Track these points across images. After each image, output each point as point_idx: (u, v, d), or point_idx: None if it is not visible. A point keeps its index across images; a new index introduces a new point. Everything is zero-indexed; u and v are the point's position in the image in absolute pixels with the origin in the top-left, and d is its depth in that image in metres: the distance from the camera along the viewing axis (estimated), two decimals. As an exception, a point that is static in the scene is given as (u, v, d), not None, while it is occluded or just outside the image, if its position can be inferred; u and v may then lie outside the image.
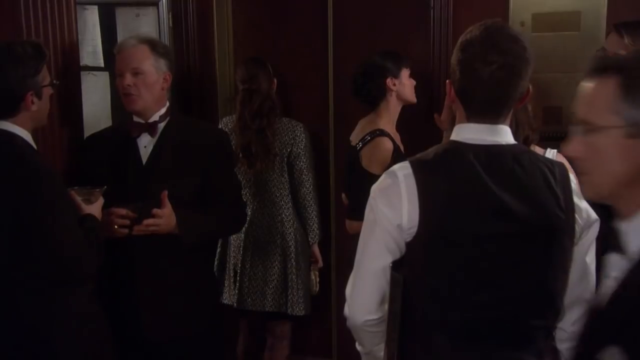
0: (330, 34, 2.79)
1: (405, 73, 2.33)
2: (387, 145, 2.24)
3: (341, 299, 1.29)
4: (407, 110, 2.40)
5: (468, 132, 1.24)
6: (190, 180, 1.92)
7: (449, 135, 1.29)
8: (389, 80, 2.30)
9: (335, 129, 2.85)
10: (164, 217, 1.83)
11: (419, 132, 2.59)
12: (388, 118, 2.33)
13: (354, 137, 2.37)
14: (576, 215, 1.22)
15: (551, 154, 1.85)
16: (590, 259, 1.25)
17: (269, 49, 2.87)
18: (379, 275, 1.22)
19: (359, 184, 2.22)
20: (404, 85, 2.33)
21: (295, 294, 2.55)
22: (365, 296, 1.24)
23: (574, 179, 1.25)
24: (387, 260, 1.22)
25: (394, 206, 1.21)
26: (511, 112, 1.27)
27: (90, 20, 2.80)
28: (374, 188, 1.25)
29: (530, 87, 1.28)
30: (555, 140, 2.41)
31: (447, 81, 1.28)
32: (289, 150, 2.51)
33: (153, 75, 1.93)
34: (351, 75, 2.38)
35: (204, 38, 2.85)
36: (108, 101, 2.80)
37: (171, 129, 1.98)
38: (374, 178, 2.19)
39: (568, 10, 2.47)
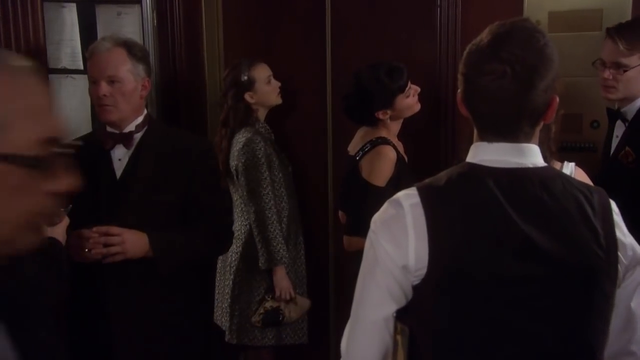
0: (328, 35, 2.63)
1: (401, 99, 2.13)
2: (389, 154, 2.07)
3: (341, 327, 1.12)
4: (410, 117, 2.22)
5: (486, 153, 1.06)
6: (170, 196, 1.75)
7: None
8: (379, 114, 2.12)
9: (334, 138, 2.68)
10: (127, 241, 1.65)
11: (424, 140, 2.42)
12: (387, 131, 2.16)
13: (353, 147, 2.20)
14: (619, 253, 1.03)
15: (569, 167, 1.65)
16: (636, 304, 1.06)
17: (261, 51, 2.71)
18: (380, 327, 1.03)
19: (358, 197, 2.06)
20: (400, 111, 2.15)
21: (230, 320, 2.43)
22: (364, 352, 1.04)
23: (615, 209, 1.04)
24: (390, 309, 1.03)
25: (398, 243, 1.02)
26: (538, 128, 1.08)
27: (69, 19, 2.64)
28: (375, 219, 1.06)
29: (557, 97, 1.09)
30: (574, 151, 2.25)
31: (458, 94, 1.11)
32: (233, 165, 2.41)
33: (131, 83, 1.76)
34: (345, 92, 2.21)
35: (192, 39, 2.70)
36: (88, 106, 2.62)
37: (149, 140, 1.81)
38: (375, 190, 2.06)
39: (588, 7, 2.28)
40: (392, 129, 2.16)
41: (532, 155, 1.06)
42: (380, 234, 1.04)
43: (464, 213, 1.01)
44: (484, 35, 1.05)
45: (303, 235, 2.53)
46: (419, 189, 1.05)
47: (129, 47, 1.78)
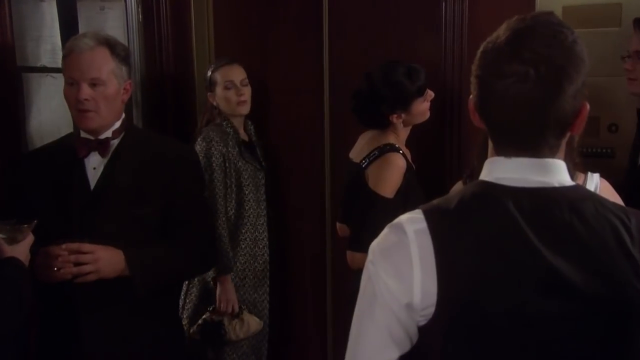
0: (326, 33, 2.48)
1: (418, 104, 1.99)
2: (399, 162, 1.92)
3: (340, 353, 0.97)
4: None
5: (504, 170, 0.92)
6: (149, 209, 1.62)
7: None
8: (394, 117, 1.98)
9: (331, 143, 2.53)
10: (101, 260, 1.51)
11: (428, 147, 2.28)
12: (396, 137, 2.02)
13: (357, 154, 2.05)
14: None
15: (594, 179, 1.51)
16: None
17: (254, 48, 2.58)
18: None
19: (364, 208, 1.92)
20: (414, 116, 2.00)
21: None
22: None
23: None
24: (391, 355, 0.89)
25: (401, 276, 0.88)
26: (564, 140, 0.94)
27: (48, 15, 2.53)
28: (373, 247, 0.92)
29: (587, 104, 0.95)
30: (590, 157, 2.10)
31: (469, 102, 0.97)
32: None
33: (114, 86, 1.62)
34: (352, 89, 2.06)
35: (180, 35, 2.57)
36: (70, 108, 2.48)
37: (127, 147, 1.67)
38: (383, 201, 1.89)
39: (606, 2, 2.13)
40: (401, 135, 2.02)
41: (558, 173, 0.92)
42: (380, 265, 0.90)
43: (479, 241, 0.87)
44: (502, 32, 0.91)
45: (292, 248, 2.38)
46: (425, 212, 0.90)
47: (112, 47, 1.64)
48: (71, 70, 1.61)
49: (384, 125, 1.98)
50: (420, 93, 1.97)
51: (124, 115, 1.71)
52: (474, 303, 0.86)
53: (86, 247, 1.51)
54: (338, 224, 2.17)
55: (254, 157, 2.40)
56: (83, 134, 1.66)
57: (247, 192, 2.33)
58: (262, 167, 2.41)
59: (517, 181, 0.90)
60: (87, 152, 1.64)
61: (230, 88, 2.32)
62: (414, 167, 2.03)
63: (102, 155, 1.64)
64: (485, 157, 1.35)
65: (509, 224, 0.87)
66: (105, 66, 1.61)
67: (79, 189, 1.62)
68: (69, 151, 1.65)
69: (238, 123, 2.38)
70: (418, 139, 2.11)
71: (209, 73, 2.36)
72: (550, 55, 0.87)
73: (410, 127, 2.03)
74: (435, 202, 0.93)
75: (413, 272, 0.87)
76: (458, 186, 1.57)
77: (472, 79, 0.93)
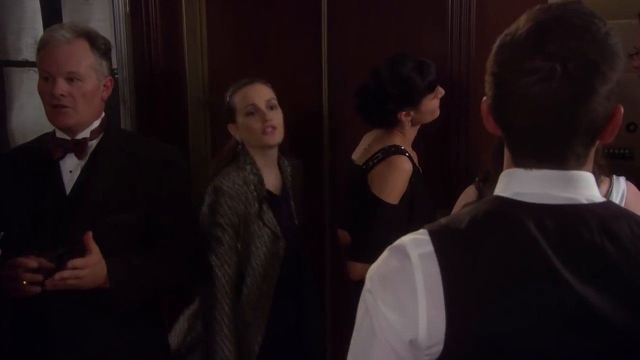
0: (325, 26, 2.35)
1: (428, 100, 1.87)
2: (405, 166, 1.80)
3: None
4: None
5: (524, 184, 0.81)
6: (130, 216, 1.52)
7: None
8: (402, 115, 1.86)
9: (330, 144, 2.40)
10: (88, 268, 1.40)
11: (433, 148, 2.18)
12: (403, 137, 1.90)
13: (359, 155, 1.93)
14: None
15: (620, 184, 1.39)
16: None
17: (249, 40, 2.46)
18: None
19: (367, 215, 1.80)
20: (423, 113, 1.88)
21: None
22: None
23: None
24: None
25: (404, 309, 0.76)
26: (593, 149, 0.82)
27: (30, 6, 2.44)
28: (371, 274, 0.81)
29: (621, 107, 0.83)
30: (607, 158, 1.97)
31: (482, 104, 0.85)
32: None
33: (93, 82, 1.53)
34: (355, 87, 1.94)
35: (170, 28, 2.45)
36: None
37: (106, 149, 1.57)
38: (387, 208, 1.75)
39: (625, -8, 1.99)
40: (408, 136, 1.90)
41: (587, 187, 0.80)
42: (379, 295, 0.78)
43: (495, 268, 0.75)
44: (522, 23, 0.79)
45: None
46: (431, 233, 0.79)
47: (92, 39, 1.54)
48: (46, 64, 1.51)
49: (391, 124, 1.87)
50: (430, 89, 1.86)
51: (103, 114, 1.61)
52: (489, 341, 0.74)
53: (78, 262, 1.40)
54: (339, 230, 2.05)
55: (278, 217, 1.81)
56: (59, 134, 1.57)
57: (255, 264, 1.78)
58: (286, 234, 1.81)
59: (538, 197, 0.79)
60: (62, 154, 1.54)
61: (253, 113, 1.80)
62: (420, 169, 1.92)
63: (79, 157, 1.54)
64: (501, 164, 1.23)
65: (530, 248, 0.75)
66: (84, 60, 1.51)
67: (53, 193, 1.52)
68: (43, 152, 1.55)
69: (268, 162, 1.84)
70: (423, 139, 2.00)
71: (227, 99, 1.87)
72: (581, 50, 0.75)
73: (418, 127, 1.92)
74: (443, 220, 0.81)
75: (418, 304, 0.75)
76: (468, 193, 1.45)
77: (487, 78, 0.82)
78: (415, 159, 1.91)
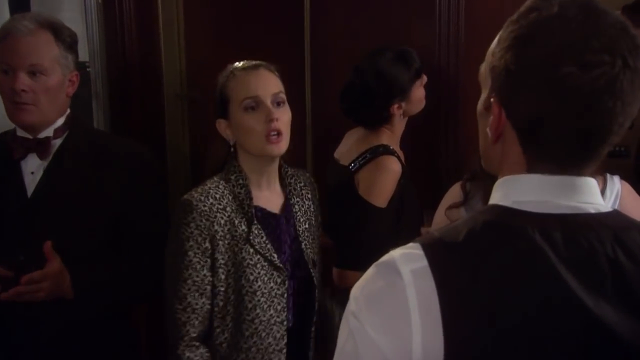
0: (307, 17, 2.27)
1: (417, 88, 1.81)
2: (394, 167, 1.73)
3: None
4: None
5: (524, 191, 0.73)
6: (98, 220, 1.45)
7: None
8: (394, 107, 1.79)
9: (314, 143, 2.32)
10: (47, 281, 1.34)
11: (420, 145, 2.11)
12: (390, 135, 1.82)
13: (344, 155, 1.84)
14: None
15: (615, 183, 1.33)
16: None
17: (229, 34, 2.37)
18: None
19: (354, 219, 1.73)
20: (413, 102, 1.81)
21: None
22: None
23: None
24: None
25: (395, 332, 0.68)
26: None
27: None
28: (356, 293, 0.73)
29: None
30: (610, 157, 1.90)
31: (493, 99, 0.75)
32: None
33: (57, 76, 1.45)
34: (341, 82, 1.85)
35: (145, 18, 2.36)
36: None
37: (71, 148, 1.48)
38: (375, 212, 1.65)
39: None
40: (397, 131, 1.82)
41: (592, 194, 0.73)
42: (366, 317, 0.70)
43: (499, 285, 0.68)
44: (550, 3, 0.70)
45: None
46: (425, 247, 0.70)
47: (57, 31, 1.46)
48: (7, 56, 1.42)
49: (383, 120, 1.79)
50: (418, 75, 1.80)
51: (69, 111, 1.52)
52: None
53: (37, 275, 1.33)
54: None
55: (276, 242, 1.39)
56: (20, 132, 1.48)
57: (251, 304, 1.34)
58: (290, 265, 1.40)
59: (542, 206, 0.71)
60: (24, 154, 1.46)
61: (254, 109, 1.35)
62: (407, 169, 1.84)
63: (42, 157, 1.46)
64: None
65: (537, 261, 0.68)
66: (48, 53, 1.43)
67: (13, 196, 1.44)
68: (3, 152, 1.47)
69: (266, 173, 1.41)
70: (410, 135, 1.93)
71: (219, 85, 1.41)
72: (635, 44, 0.69)
73: (406, 120, 1.84)
74: (436, 233, 0.73)
75: (411, 327, 0.67)
76: (453, 193, 1.37)
77: (507, 71, 0.71)
78: (402, 158, 1.83)
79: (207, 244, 1.32)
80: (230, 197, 1.36)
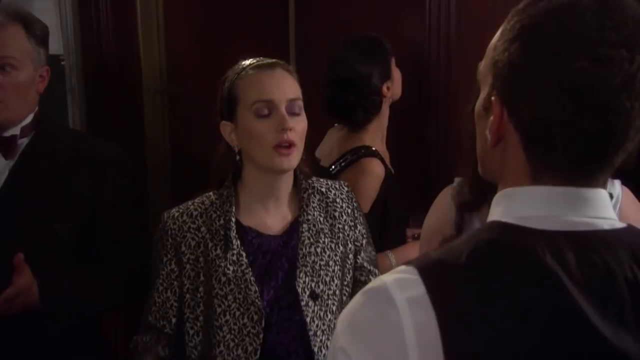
0: (292, 9, 2.22)
1: (394, 65, 1.78)
2: (376, 170, 1.66)
3: None
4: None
5: (528, 204, 0.66)
6: (68, 224, 1.38)
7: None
8: (385, 88, 1.73)
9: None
10: (20, 297, 1.28)
11: (408, 144, 2.04)
12: (375, 131, 1.75)
13: (325, 154, 1.78)
14: None
15: (615, 187, 1.28)
16: None
17: (210, 27, 2.32)
18: None
19: None
20: (395, 82, 1.77)
21: None
22: None
23: None
24: None
25: None
26: None
27: None
28: (342, 324, 0.65)
29: None
30: None
31: (494, 98, 0.68)
32: None
33: (28, 72, 1.40)
34: (324, 76, 1.78)
35: (122, 10, 2.32)
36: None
37: (39, 147, 1.42)
38: None
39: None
40: (383, 123, 1.75)
41: (603, 208, 0.66)
42: (355, 352, 0.62)
43: (508, 312, 0.61)
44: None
45: None
46: (421, 271, 0.63)
47: (28, 24, 1.40)
48: None
49: (374, 108, 1.71)
50: (390, 50, 1.76)
51: (37, 108, 1.45)
52: None
53: (9, 293, 1.26)
54: None
55: (265, 269, 1.23)
56: (-17, 130, 1.41)
57: (224, 334, 1.19)
58: (283, 293, 1.23)
59: (550, 222, 0.64)
60: (-13, 154, 1.40)
61: (267, 116, 1.20)
62: (393, 171, 1.78)
63: (7, 156, 1.39)
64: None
65: (549, 289, 0.61)
66: (18, 47, 1.37)
67: None
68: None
69: (274, 191, 1.25)
70: (395, 131, 1.87)
71: (227, 83, 1.25)
72: None
73: (386, 115, 1.77)
74: (433, 255, 0.65)
75: None
76: (445, 196, 1.29)
77: (511, 66, 0.64)
78: (387, 159, 1.77)
79: (174, 266, 1.22)
80: (213, 216, 1.22)
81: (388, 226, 1.67)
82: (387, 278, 0.63)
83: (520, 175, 0.66)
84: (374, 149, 1.68)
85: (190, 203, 1.24)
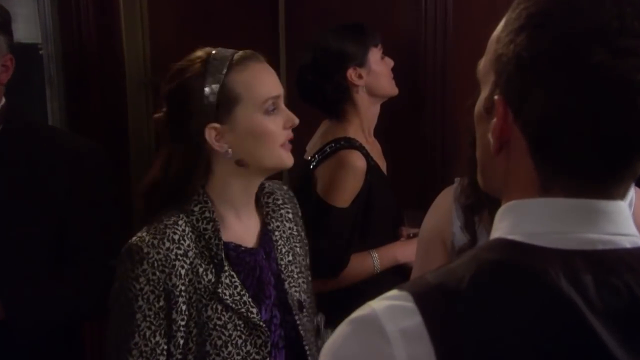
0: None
1: (374, 55, 1.68)
2: (356, 163, 1.59)
3: None
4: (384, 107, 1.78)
5: (541, 219, 0.58)
6: (36, 228, 1.33)
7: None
8: (351, 72, 1.65)
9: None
10: None
11: (402, 139, 1.98)
12: (359, 123, 1.68)
13: (310, 148, 1.72)
14: None
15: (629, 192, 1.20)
16: None
17: (198, 11, 2.24)
18: None
19: (311, 222, 1.57)
20: (376, 74, 1.67)
21: None
22: None
23: None
24: None
25: None
26: None
27: None
28: (325, 358, 0.58)
29: None
30: None
31: (497, 97, 0.60)
32: None
33: None
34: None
35: None
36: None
37: (5, 144, 1.36)
38: (334, 213, 1.58)
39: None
40: (366, 116, 1.68)
41: (624, 223, 0.59)
42: None
43: (518, 347, 0.54)
44: None
45: None
46: (417, 297, 0.56)
47: None
48: None
49: (343, 95, 1.64)
50: (374, 43, 1.67)
51: (4, 100, 1.39)
52: None
53: None
54: None
55: (257, 288, 1.15)
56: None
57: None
58: (277, 311, 1.16)
59: (562, 239, 0.57)
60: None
61: (275, 112, 1.13)
62: (385, 164, 1.71)
63: None
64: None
65: (565, 318, 0.54)
66: None
67: None
68: None
69: (250, 199, 1.18)
70: (389, 126, 1.81)
71: (222, 75, 1.10)
72: None
73: (377, 105, 1.70)
74: (429, 277, 0.58)
75: None
76: (446, 197, 1.22)
77: (517, 60, 0.57)
78: (376, 153, 1.70)
79: (162, 302, 1.05)
80: (193, 237, 1.09)
81: (371, 222, 1.60)
82: (376, 305, 0.56)
83: (527, 186, 0.59)
84: (356, 140, 1.61)
85: (161, 227, 1.08)
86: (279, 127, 1.12)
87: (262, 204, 1.19)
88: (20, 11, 2.13)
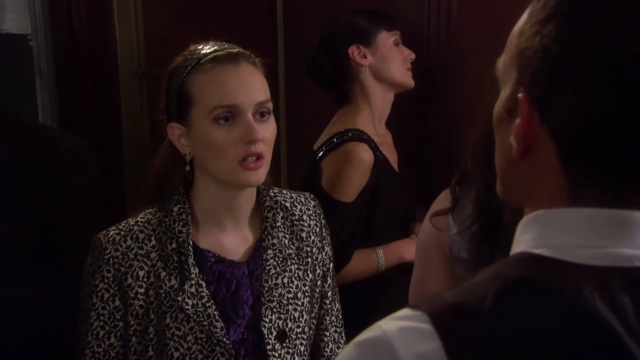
0: None
1: (385, 38, 1.65)
2: (362, 155, 1.56)
3: None
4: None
5: (571, 231, 0.54)
6: (19, 226, 1.30)
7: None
8: (352, 50, 1.62)
9: (287, 126, 2.18)
10: None
11: (407, 132, 1.94)
12: (369, 111, 1.65)
13: (320, 137, 1.70)
14: None
15: None
16: None
17: (192, 4, 2.22)
18: None
19: None
20: (384, 57, 1.64)
21: None
22: None
23: None
24: None
25: None
26: None
27: None
28: None
29: None
30: None
31: (521, 95, 0.55)
32: None
33: None
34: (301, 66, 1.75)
35: None
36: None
37: None
38: (340, 208, 1.57)
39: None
40: (375, 103, 1.65)
41: None
42: None
43: None
44: None
45: None
46: (435, 318, 0.52)
47: None
48: None
49: (343, 75, 1.63)
50: (387, 27, 1.65)
51: None
52: None
53: None
54: None
55: (229, 304, 1.08)
56: None
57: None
58: (250, 335, 1.08)
59: (595, 255, 0.52)
60: None
61: (229, 120, 1.03)
62: (396, 157, 1.68)
63: None
64: (483, 163, 0.95)
65: (602, 344, 0.50)
66: None
67: None
68: None
69: (233, 210, 1.10)
70: (393, 120, 1.78)
71: (176, 75, 1.06)
72: None
73: (389, 94, 1.67)
74: (448, 296, 0.53)
75: None
76: (442, 199, 1.19)
77: (531, 52, 0.53)
78: (387, 145, 1.67)
79: (118, 302, 1.03)
80: (163, 238, 1.04)
81: (377, 218, 1.58)
82: (387, 326, 0.52)
83: (554, 194, 0.54)
84: (364, 132, 1.59)
85: (132, 223, 1.05)
86: (233, 139, 1.01)
87: (262, 217, 1.11)
88: (9, 0, 2.10)
